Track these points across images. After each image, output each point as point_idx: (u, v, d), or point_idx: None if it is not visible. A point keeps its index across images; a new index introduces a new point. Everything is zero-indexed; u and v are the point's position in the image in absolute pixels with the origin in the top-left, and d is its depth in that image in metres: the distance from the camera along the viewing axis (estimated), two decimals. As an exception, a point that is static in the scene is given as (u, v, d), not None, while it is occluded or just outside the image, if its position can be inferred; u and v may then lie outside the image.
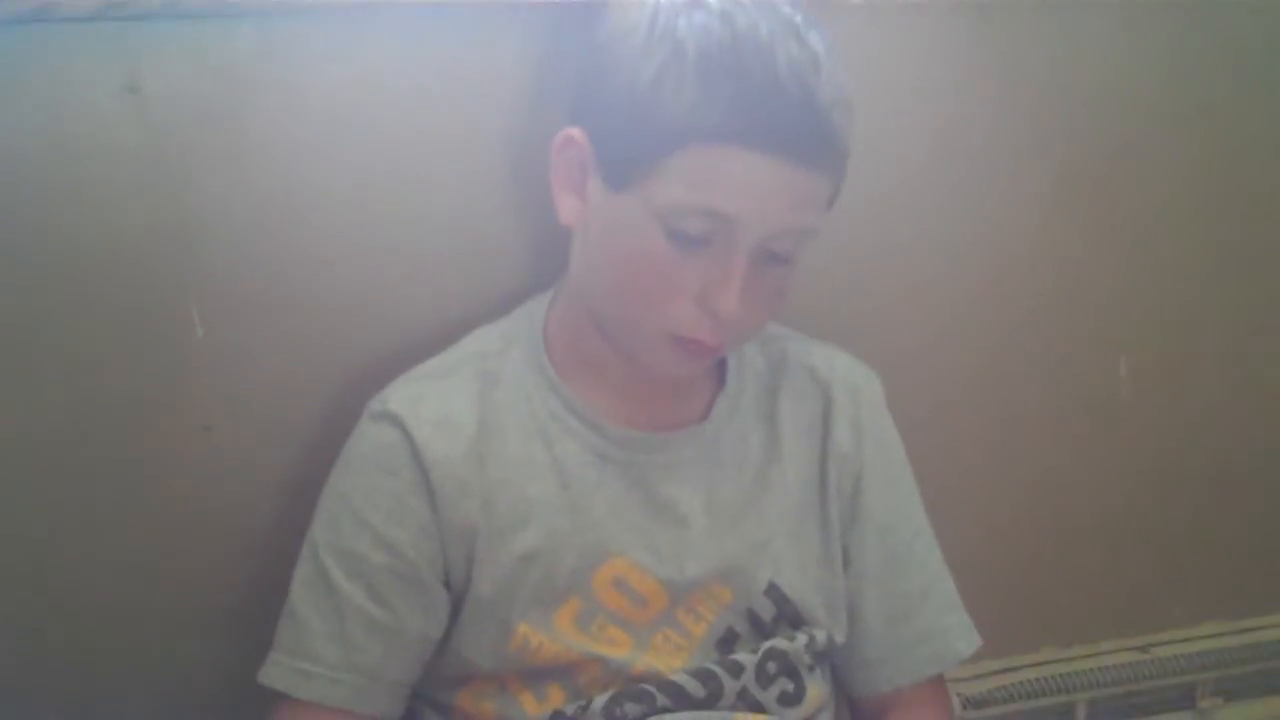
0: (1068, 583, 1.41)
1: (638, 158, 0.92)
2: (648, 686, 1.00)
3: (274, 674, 1.01)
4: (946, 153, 1.24)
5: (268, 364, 1.09)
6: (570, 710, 1.00)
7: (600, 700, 1.00)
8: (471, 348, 1.06)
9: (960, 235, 1.27)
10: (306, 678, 1.00)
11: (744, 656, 1.03)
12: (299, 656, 1.00)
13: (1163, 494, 1.41)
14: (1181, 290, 1.36)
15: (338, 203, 1.08)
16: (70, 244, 1.02)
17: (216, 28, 1.02)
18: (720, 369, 1.08)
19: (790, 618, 1.05)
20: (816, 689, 1.06)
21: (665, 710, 1.01)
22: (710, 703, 1.01)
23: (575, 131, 0.97)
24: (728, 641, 1.04)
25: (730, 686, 1.02)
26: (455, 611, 1.02)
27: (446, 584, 1.02)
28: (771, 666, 1.04)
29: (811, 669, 1.06)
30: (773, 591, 1.04)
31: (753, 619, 1.04)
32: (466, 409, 1.02)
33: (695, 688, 1.01)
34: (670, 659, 1.02)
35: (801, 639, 1.04)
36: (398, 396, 1.02)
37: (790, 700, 1.05)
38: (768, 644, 1.04)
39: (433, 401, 1.01)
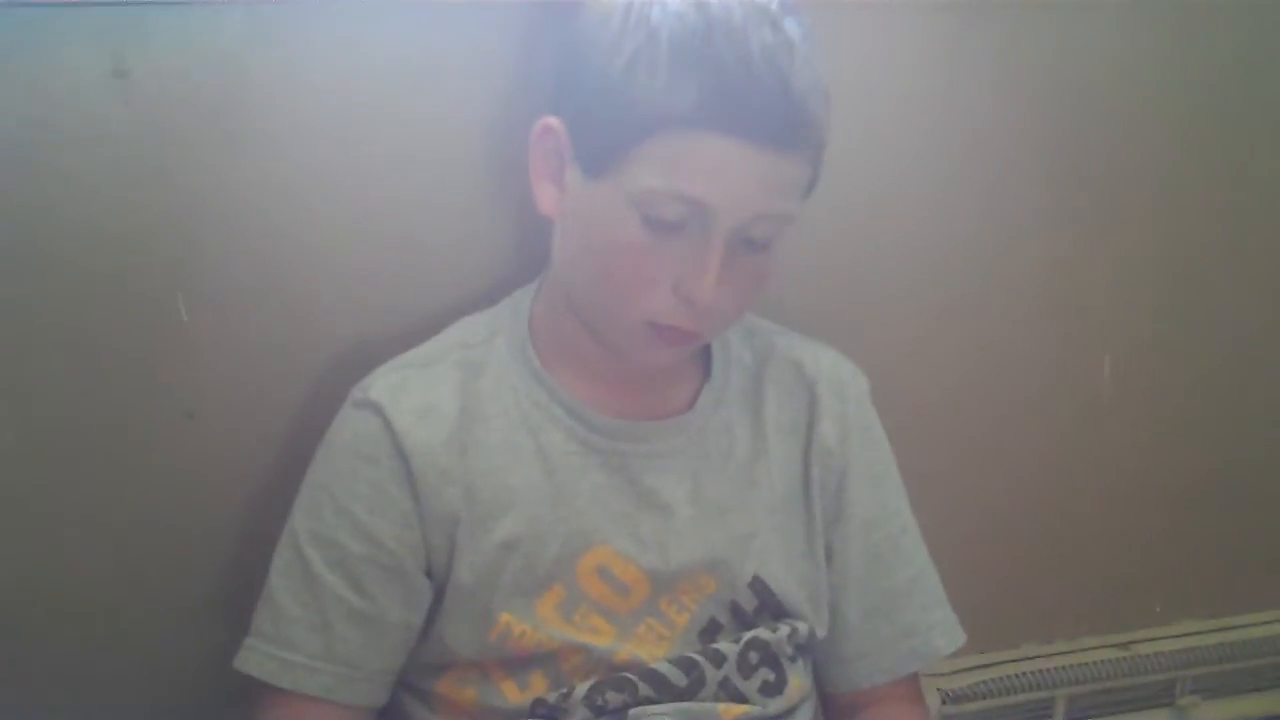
0: (1049, 579, 1.42)
1: (613, 145, 0.92)
2: (630, 675, 1.01)
3: (251, 660, 1.01)
4: (937, 153, 1.25)
5: (252, 350, 1.09)
6: (552, 698, 1.00)
7: (582, 689, 1.00)
8: (456, 337, 1.06)
9: (948, 235, 1.27)
10: (285, 666, 1.00)
11: (726, 646, 1.03)
12: (278, 644, 1.00)
13: (1144, 493, 1.42)
14: (1166, 291, 1.37)
15: (324, 190, 1.08)
16: (56, 228, 1.02)
17: (205, 13, 1.01)
18: (705, 360, 1.08)
19: (773, 609, 1.05)
20: (798, 679, 1.07)
21: (647, 699, 1.01)
22: (692, 692, 1.01)
23: (553, 121, 0.97)
24: (710, 632, 1.04)
25: (712, 676, 1.02)
26: (437, 599, 1.02)
27: (428, 572, 1.02)
28: (753, 656, 1.04)
29: (793, 659, 1.06)
30: (756, 584, 1.04)
31: (735, 610, 1.04)
32: (448, 397, 1.02)
33: (677, 677, 1.01)
34: (653, 648, 1.02)
35: (784, 630, 1.05)
36: (380, 385, 1.02)
37: (772, 690, 1.05)
38: (750, 634, 1.04)
39: (414, 390, 1.01)
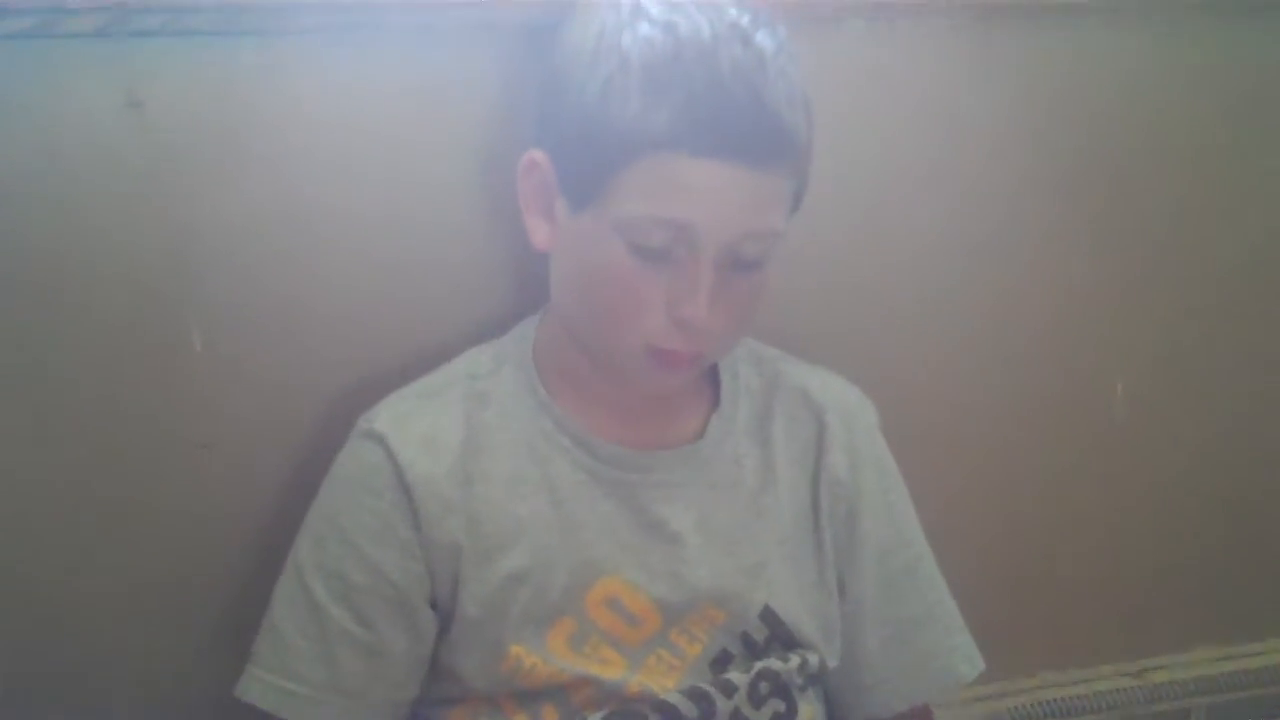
0: (1062, 608, 1.41)
1: (593, 175, 0.93)
2: (641, 707, 1.00)
3: (254, 690, 1.01)
4: (945, 171, 1.24)
5: (265, 380, 1.09)
6: (563, 730, 1.00)
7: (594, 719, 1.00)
8: (462, 368, 1.06)
9: (957, 256, 1.27)
10: (289, 697, 1.00)
11: (737, 676, 1.03)
12: (281, 675, 1.00)
13: (1157, 518, 1.41)
14: (1179, 314, 1.36)
15: (336, 220, 1.08)
16: (70, 258, 1.02)
17: (218, 45, 1.02)
18: (714, 389, 1.08)
19: (784, 640, 1.05)
20: (809, 709, 1.06)
21: (658, 729, 1.01)
22: (703, 723, 1.01)
23: (537, 154, 0.98)
24: (721, 662, 1.03)
25: (723, 706, 1.02)
26: (444, 630, 1.02)
27: (433, 603, 1.02)
28: (764, 687, 1.03)
29: (803, 689, 1.06)
30: (767, 615, 1.04)
31: (746, 640, 1.04)
32: (453, 428, 1.02)
33: (688, 708, 1.01)
34: (664, 679, 1.02)
35: (795, 660, 1.04)
36: (385, 416, 1.02)
37: (783, 720, 1.05)
38: (760, 664, 1.03)
39: (419, 420, 1.02)
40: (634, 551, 1.02)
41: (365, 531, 0.99)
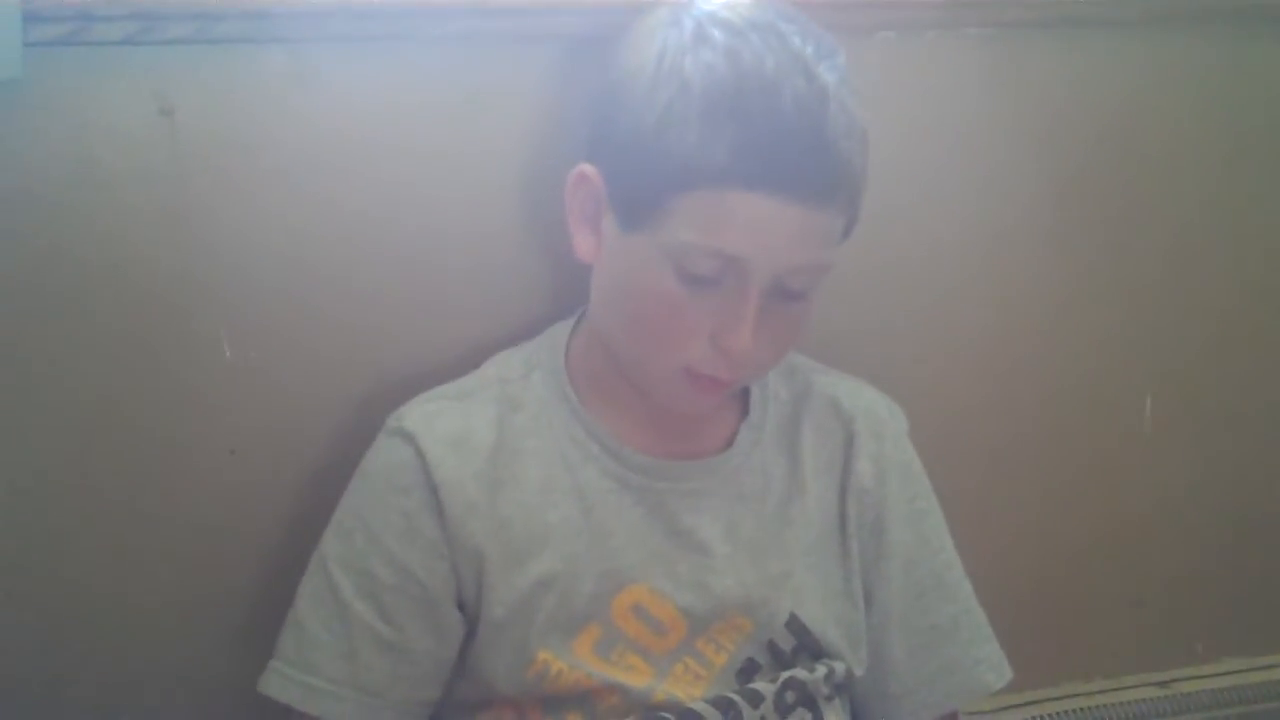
0: (1089, 618, 1.41)
1: (647, 198, 0.92)
2: (667, 715, 1.00)
3: (276, 684, 1.01)
4: (974, 178, 1.25)
5: (294, 387, 1.09)
6: (588, 738, 1.01)
7: (619, 728, 1.00)
8: (493, 372, 1.07)
9: (982, 270, 1.27)
10: (310, 691, 1.00)
11: (763, 686, 1.03)
12: (304, 669, 1.01)
13: (1185, 530, 1.41)
14: (1208, 329, 1.36)
15: (365, 228, 1.09)
16: (100, 265, 1.03)
17: (248, 53, 1.03)
18: (744, 398, 1.08)
19: (810, 649, 1.05)
20: (835, 718, 1.06)
21: (684, 739, 1.01)
22: (730, 731, 1.01)
23: (588, 169, 0.97)
24: (748, 671, 1.03)
25: (749, 716, 1.01)
26: (471, 633, 1.02)
27: (460, 604, 1.02)
28: (790, 696, 1.03)
29: (829, 699, 1.06)
30: (793, 624, 1.04)
31: (773, 650, 1.04)
32: (483, 431, 1.02)
33: (714, 716, 1.00)
34: (690, 688, 1.02)
35: (821, 670, 1.04)
36: (415, 414, 1.02)
37: (809, 730, 1.04)
38: (787, 674, 1.03)
39: (449, 420, 1.02)
40: (661, 559, 1.02)
41: (392, 529, 1.00)
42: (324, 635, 1.01)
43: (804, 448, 1.07)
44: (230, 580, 1.11)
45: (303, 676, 1.01)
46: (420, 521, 0.99)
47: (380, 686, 1.00)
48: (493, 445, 1.01)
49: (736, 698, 1.01)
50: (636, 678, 1.01)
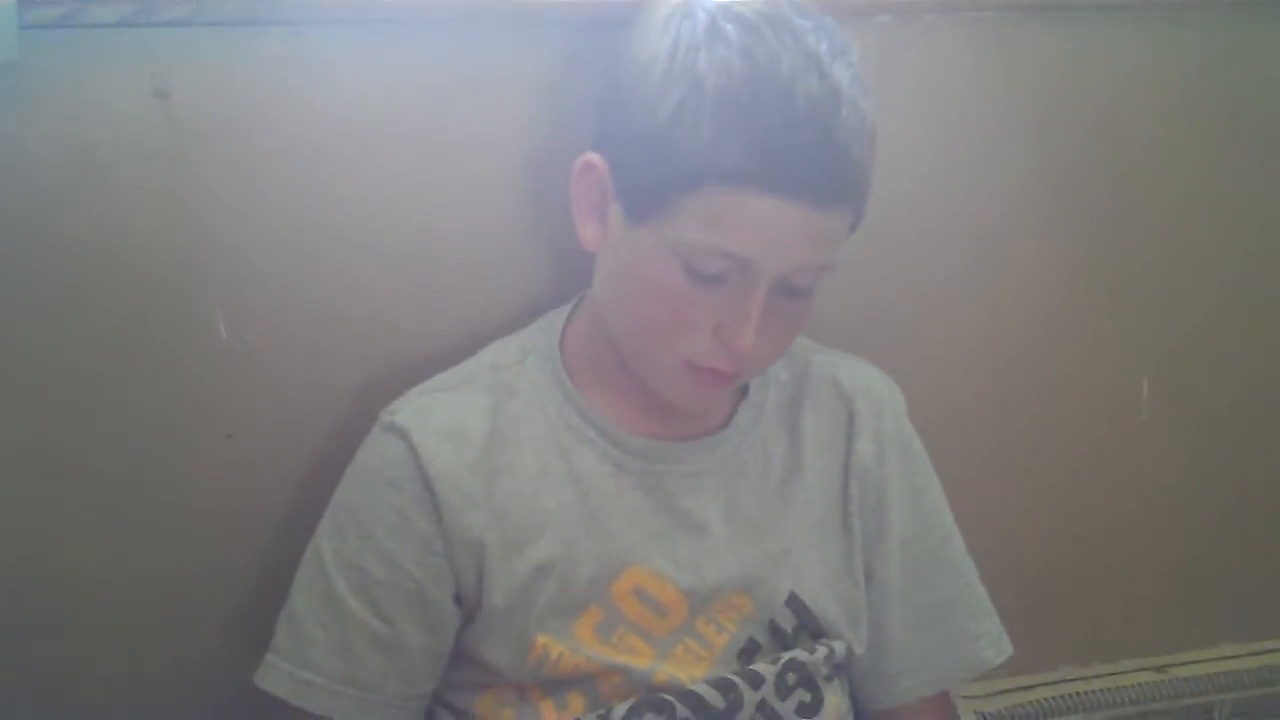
0: (1085, 602, 1.41)
1: (655, 193, 0.92)
2: (668, 697, 1.00)
3: (271, 678, 1.01)
4: (971, 162, 1.24)
5: (292, 371, 1.09)
6: (589, 720, 1.01)
7: (620, 710, 1.00)
8: (487, 360, 1.06)
9: (979, 255, 1.27)
10: (306, 686, 1.00)
11: (763, 667, 1.03)
12: (299, 664, 1.01)
13: (1182, 515, 1.41)
14: (1204, 314, 1.36)
15: (362, 212, 1.08)
16: (95, 248, 1.02)
17: (246, 35, 1.02)
18: (743, 379, 1.08)
19: (811, 628, 1.05)
20: (835, 699, 1.06)
21: (685, 720, 1.01)
22: (730, 714, 1.01)
23: (595, 158, 0.97)
24: (749, 652, 1.03)
25: (750, 698, 1.02)
26: (470, 620, 1.02)
27: (457, 597, 1.02)
28: (790, 678, 1.03)
29: (829, 679, 1.06)
30: (793, 602, 1.04)
31: (774, 630, 1.04)
32: (477, 421, 1.02)
33: (715, 698, 1.01)
34: (691, 669, 1.02)
35: (821, 651, 1.04)
36: (407, 409, 1.02)
37: (808, 711, 1.04)
38: (787, 655, 1.03)
39: (442, 412, 1.01)
40: (660, 541, 1.02)
41: (384, 525, 1.00)
42: (318, 632, 1.00)
43: (804, 426, 1.07)
44: (228, 565, 1.11)
45: (299, 672, 1.00)
46: (412, 517, 0.99)
47: (375, 682, 1.00)
48: (487, 434, 1.01)
49: (737, 680, 1.02)
50: (638, 659, 1.01)
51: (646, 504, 1.03)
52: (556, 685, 1.01)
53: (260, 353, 1.07)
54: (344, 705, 1.00)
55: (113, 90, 1.01)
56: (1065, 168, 1.27)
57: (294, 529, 1.07)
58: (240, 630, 1.09)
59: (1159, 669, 1.44)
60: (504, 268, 1.13)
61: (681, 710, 1.00)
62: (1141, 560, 1.40)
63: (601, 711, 1.00)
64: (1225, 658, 1.46)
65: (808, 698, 1.04)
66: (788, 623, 1.04)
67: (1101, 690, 1.41)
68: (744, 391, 1.07)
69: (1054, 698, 1.40)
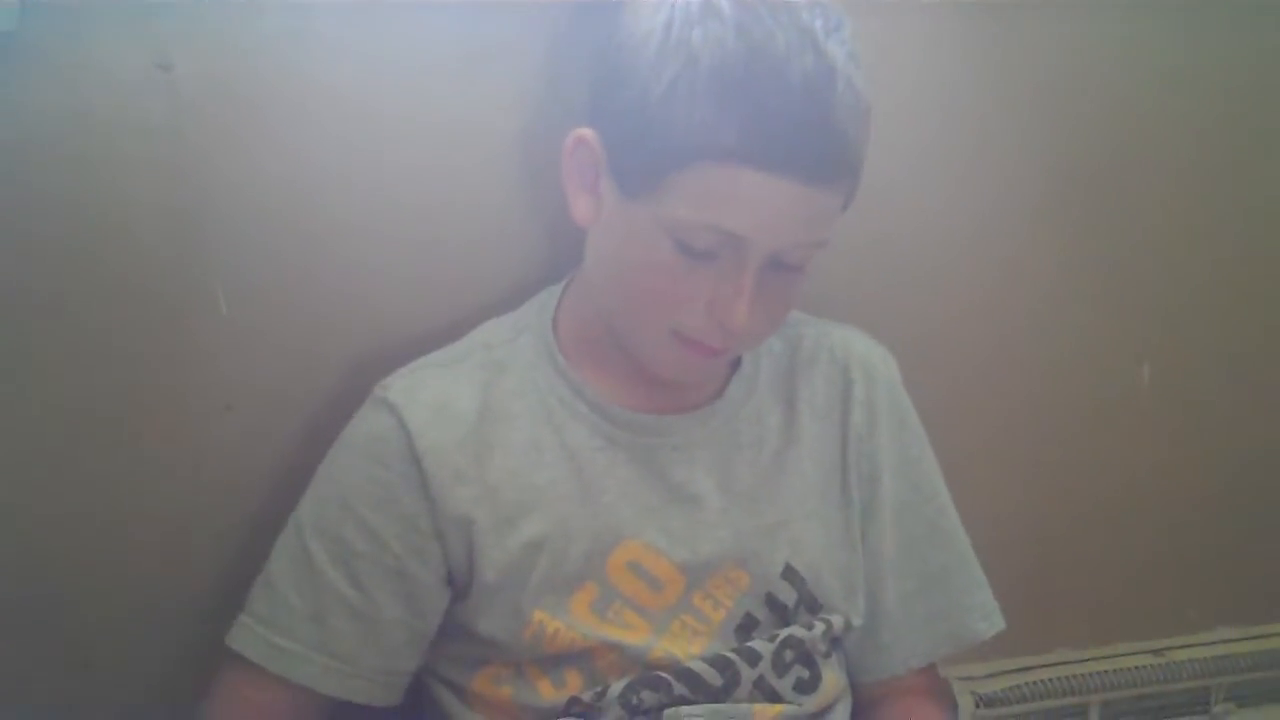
0: (1083, 585, 1.41)
1: (648, 169, 0.92)
2: (664, 674, 1.00)
3: (244, 639, 1.02)
4: (966, 151, 1.24)
5: (291, 343, 1.09)
6: (587, 697, 1.00)
7: (617, 687, 1.00)
8: (480, 338, 1.07)
9: (978, 238, 1.27)
10: (278, 652, 1.01)
11: (761, 645, 1.03)
12: (273, 629, 1.01)
13: (1180, 498, 1.41)
14: (1204, 295, 1.36)
15: (361, 187, 1.08)
16: (97, 220, 1.02)
17: (247, 8, 1.02)
18: (735, 352, 1.08)
19: (808, 601, 1.05)
20: (832, 675, 1.06)
21: (682, 698, 1.00)
22: (727, 691, 1.01)
23: (587, 133, 0.97)
24: (746, 628, 1.04)
25: (747, 675, 1.02)
26: (464, 596, 1.02)
27: (449, 577, 1.02)
28: (788, 654, 1.04)
29: (827, 655, 1.06)
30: (789, 573, 1.04)
31: (772, 603, 1.04)
32: (468, 397, 1.02)
33: (712, 676, 1.01)
34: (688, 645, 1.02)
35: (819, 627, 1.04)
36: (398, 385, 1.02)
37: (806, 687, 1.04)
38: (785, 632, 1.03)
39: (433, 388, 1.02)
40: (655, 515, 1.02)
41: (367, 499, 1.00)
42: (294, 598, 1.01)
43: (800, 396, 1.07)
44: (225, 536, 1.11)
45: (272, 637, 1.01)
46: (397, 493, 1.00)
47: (349, 653, 1.01)
48: (478, 411, 1.01)
49: (734, 657, 1.02)
50: (634, 635, 1.01)
51: (639, 477, 1.03)
52: (554, 662, 1.01)
53: (260, 325, 1.07)
54: (315, 673, 1.00)
55: (114, 62, 1.00)
56: (1063, 152, 1.27)
57: (292, 500, 1.07)
58: (240, 603, 1.09)
59: (1156, 652, 1.44)
60: (500, 243, 1.13)
61: (678, 688, 1.00)
62: (1139, 544, 1.40)
63: (599, 688, 1.00)
64: (1222, 641, 1.46)
65: (805, 674, 1.04)
66: (787, 597, 1.04)
67: (1098, 673, 1.41)
68: (737, 364, 1.07)
69: (1051, 680, 1.39)
